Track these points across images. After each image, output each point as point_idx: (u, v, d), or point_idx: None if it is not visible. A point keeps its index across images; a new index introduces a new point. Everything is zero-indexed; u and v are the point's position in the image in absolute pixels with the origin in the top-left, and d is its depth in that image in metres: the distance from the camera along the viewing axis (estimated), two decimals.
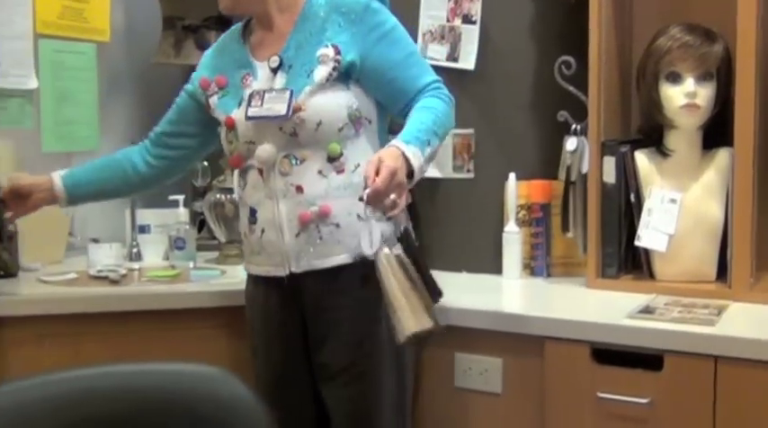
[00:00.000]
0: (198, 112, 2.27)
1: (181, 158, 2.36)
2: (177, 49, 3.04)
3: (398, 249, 1.93)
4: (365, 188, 1.84)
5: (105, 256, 2.75)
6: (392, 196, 1.85)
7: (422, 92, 2.07)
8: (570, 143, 2.50)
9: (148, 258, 2.92)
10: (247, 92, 2.11)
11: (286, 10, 2.14)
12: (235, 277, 2.59)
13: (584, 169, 2.47)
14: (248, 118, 2.08)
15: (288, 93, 2.05)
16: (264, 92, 2.08)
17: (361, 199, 1.85)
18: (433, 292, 2.03)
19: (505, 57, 2.64)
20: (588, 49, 2.41)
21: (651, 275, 2.42)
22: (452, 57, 2.66)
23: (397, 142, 1.93)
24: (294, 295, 2.13)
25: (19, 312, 2.34)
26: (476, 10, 2.64)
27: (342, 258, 2.07)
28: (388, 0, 2.16)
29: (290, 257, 2.09)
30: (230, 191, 2.75)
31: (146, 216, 2.95)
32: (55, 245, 2.85)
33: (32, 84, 2.88)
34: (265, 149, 2.07)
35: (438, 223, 2.72)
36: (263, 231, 2.11)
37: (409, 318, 1.88)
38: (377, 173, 1.84)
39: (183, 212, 2.89)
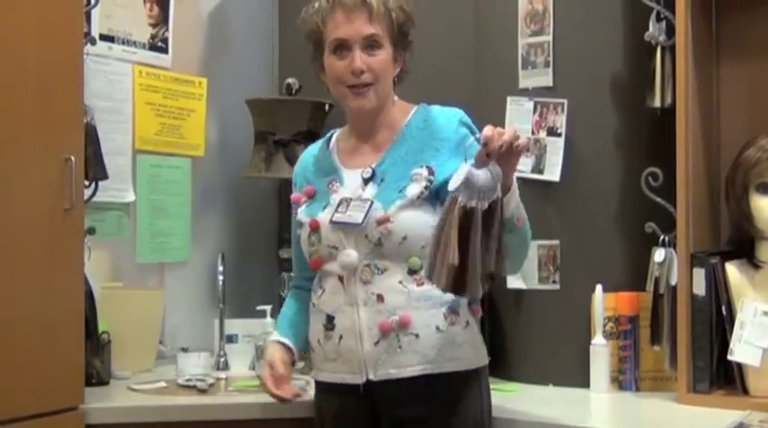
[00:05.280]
0: None
1: None
2: (268, 163, 3.12)
3: (475, 203, 1.81)
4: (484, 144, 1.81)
5: (193, 365, 2.79)
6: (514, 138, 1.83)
7: None
8: (658, 254, 2.47)
9: (235, 367, 2.94)
10: (335, 197, 2.16)
11: (388, 126, 2.21)
12: None
13: (673, 281, 2.43)
14: (331, 221, 2.12)
15: (368, 203, 2.10)
16: (351, 200, 2.13)
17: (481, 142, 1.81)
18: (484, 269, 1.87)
19: (591, 169, 2.64)
20: (675, 160, 2.40)
21: (745, 390, 2.34)
22: (537, 169, 2.67)
23: None
24: (370, 404, 2.12)
25: (109, 420, 2.39)
26: (561, 122, 2.66)
27: (419, 368, 2.07)
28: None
29: (369, 365, 2.09)
30: None
31: (233, 326, 2.99)
32: (145, 354, 2.91)
33: (130, 197, 3.00)
34: (349, 254, 2.09)
35: (523, 335, 2.69)
36: (341, 338, 2.11)
37: (436, 270, 1.84)
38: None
39: (269, 322, 2.91)
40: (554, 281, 2.66)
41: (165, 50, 3.11)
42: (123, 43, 2.98)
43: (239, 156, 3.24)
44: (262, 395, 2.56)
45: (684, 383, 2.36)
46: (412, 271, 2.08)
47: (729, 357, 2.33)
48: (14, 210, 2.22)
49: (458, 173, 1.85)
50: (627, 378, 2.56)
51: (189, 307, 3.16)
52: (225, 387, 2.71)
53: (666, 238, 2.47)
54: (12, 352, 2.20)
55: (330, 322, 2.13)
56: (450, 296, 1.99)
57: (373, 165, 2.16)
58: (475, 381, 2.13)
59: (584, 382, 2.57)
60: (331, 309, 2.13)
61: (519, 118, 2.72)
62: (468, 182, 1.82)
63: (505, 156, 1.84)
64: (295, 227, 2.27)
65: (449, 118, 2.16)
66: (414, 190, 2.09)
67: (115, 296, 2.77)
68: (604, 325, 2.57)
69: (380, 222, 2.08)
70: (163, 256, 3.10)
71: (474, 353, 2.13)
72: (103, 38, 2.90)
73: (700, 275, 2.37)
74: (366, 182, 2.15)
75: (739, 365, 2.33)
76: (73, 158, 2.32)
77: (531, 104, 2.71)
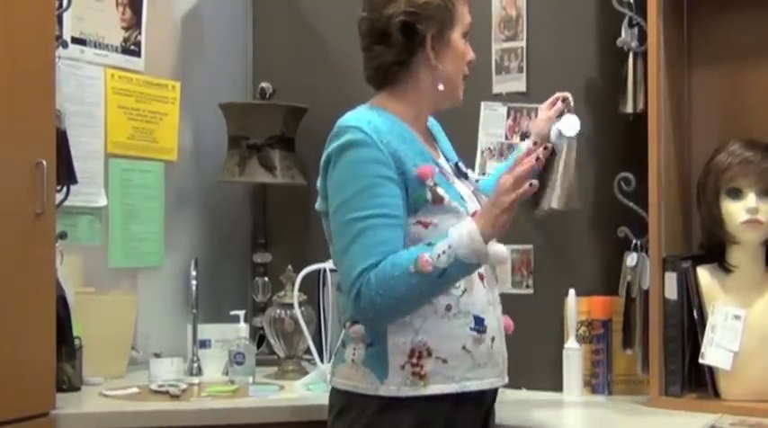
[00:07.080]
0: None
1: None
2: (242, 167, 3.10)
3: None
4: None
5: (166, 371, 2.77)
6: None
7: None
8: (630, 259, 2.49)
9: (208, 373, 2.92)
10: (457, 188, 2.02)
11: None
12: (293, 392, 2.60)
13: (645, 285, 2.45)
14: None
15: None
16: (481, 193, 2.10)
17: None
18: None
19: None
20: (647, 165, 2.41)
21: (716, 394, 2.35)
22: None
23: None
24: (486, 410, 2.07)
25: (81, 426, 2.37)
26: None
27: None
28: None
29: (505, 367, 2.05)
30: (290, 306, 2.77)
31: (207, 330, 2.97)
32: (117, 360, 2.88)
33: (102, 201, 2.97)
34: (502, 248, 1.91)
35: None
36: (492, 339, 1.98)
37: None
38: None
39: (243, 327, 2.91)
40: (527, 286, 2.67)
41: (137, 54, 3.09)
42: (95, 46, 2.95)
43: (213, 161, 3.22)
44: (235, 400, 2.56)
45: (656, 386, 2.38)
46: None
47: (701, 360, 2.34)
48: None
49: (566, 124, 2.38)
50: (599, 381, 2.58)
51: (162, 312, 3.14)
52: (198, 393, 2.69)
53: (639, 243, 2.49)
54: None
55: (481, 324, 1.95)
56: None
57: (447, 160, 2.11)
58: None
59: (557, 386, 2.58)
60: (479, 310, 1.96)
61: (493, 123, 2.73)
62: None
63: None
64: (399, 195, 1.92)
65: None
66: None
67: (87, 301, 2.74)
68: (577, 329, 2.58)
69: None
70: (135, 261, 3.08)
71: None
72: (75, 41, 2.87)
73: (671, 279, 2.39)
74: (460, 177, 2.09)
75: (711, 368, 2.35)
76: (44, 162, 2.30)
77: (504, 109, 2.73)
